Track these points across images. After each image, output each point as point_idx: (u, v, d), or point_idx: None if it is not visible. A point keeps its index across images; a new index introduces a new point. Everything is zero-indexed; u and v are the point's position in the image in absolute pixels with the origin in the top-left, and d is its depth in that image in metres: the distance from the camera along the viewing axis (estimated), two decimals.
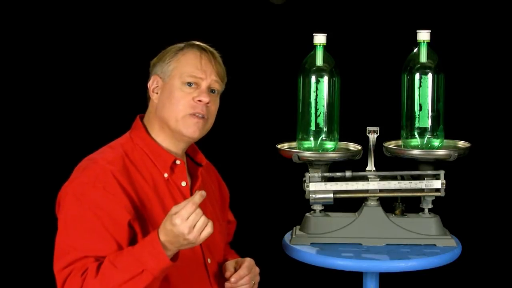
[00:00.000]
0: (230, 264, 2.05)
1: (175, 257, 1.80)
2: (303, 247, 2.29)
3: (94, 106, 3.16)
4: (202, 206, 2.03)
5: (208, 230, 1.76)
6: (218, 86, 2.02)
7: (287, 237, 2.39)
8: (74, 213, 1.86)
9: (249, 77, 3.25)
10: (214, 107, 2.02)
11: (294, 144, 2.42)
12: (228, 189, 2.27)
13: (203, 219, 1.75)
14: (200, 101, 1.96)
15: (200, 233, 1.75)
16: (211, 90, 2.00)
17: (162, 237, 1.76)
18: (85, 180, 1.88)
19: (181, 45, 2.04)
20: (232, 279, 2.01)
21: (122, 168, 1.92)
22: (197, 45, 2.04)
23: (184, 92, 1.97)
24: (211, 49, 2.05)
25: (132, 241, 1.87)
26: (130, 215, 1.86)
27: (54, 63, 3.17)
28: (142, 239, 1.83)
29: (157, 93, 2.01)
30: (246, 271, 2.03)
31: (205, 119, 1.98)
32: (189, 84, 1.97)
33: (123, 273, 1.77)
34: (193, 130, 1.97)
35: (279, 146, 2.41)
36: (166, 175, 1.98)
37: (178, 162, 2.00)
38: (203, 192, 1.77)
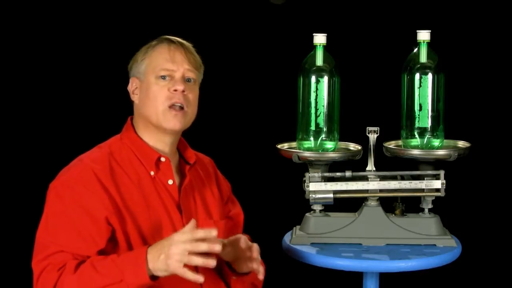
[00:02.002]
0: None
1: (156, 277, 1.80)
2: (303, 247, 2.29)
3: (92, 108, 3.16)
4: (192, 206, 2.04)
5: (185, 269, 1.75)
6: (193, 75, 2.03)
7: (287, 237, 2.39)
8: (55, 210, 1.91)
9: (249, 77, 3.25)
10: (192, 96, 2.03)
11: (294, 144, 2.42)
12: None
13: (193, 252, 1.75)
14: (175, 90, 1.98)
15: (181, 263, 1.75)
16: (187, 79, 2.02)
17: (150, 254, 1.78)
18: (68, 178, 1.94)
19: (153, 42, 2.07)
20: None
21: (106, 167, 1.95)
22: (166, 38, 2.06)
23: (159, 85, 2.00)
24: (181, 40, 2.06)
25: (111, 237, 1.90)
26: (108, 211, 1.89)
27: (56, 65, 3.17)
28: (130, 251, 1.86)
29: (137, 94, 2.05)
30: (244, 243, 2.01)
31: (185, 110, 2.00)
32: (163, 77, 2.00)
33: (102, 277, 1.79)
34: (173, 123, 1.99)
35: (279, 146, 2.41)
36: (152, 173, 2.00)
37: (163, 159, 2.02)
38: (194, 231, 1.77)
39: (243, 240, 2.02)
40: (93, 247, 1.86)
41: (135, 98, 2.06)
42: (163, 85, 1.99)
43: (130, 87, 2.07)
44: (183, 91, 1.99)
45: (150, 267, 1.77)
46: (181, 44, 2.04)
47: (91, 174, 1.92)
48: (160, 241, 1.80)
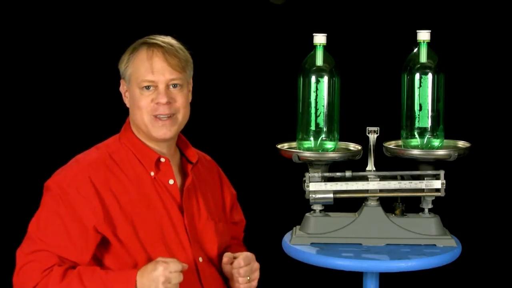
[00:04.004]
0: (229, 254, 2.06)
1: None
2: (303, 247, 2.29)
3: (90, 106, 3.17)
4: (195, 206, 2.04)
5: None
6: (178, 80, 1.99)
7: (287, 237, 2.39)
8: (47, 208, 1.91)
9: (249, 77, 3.25)
10: (179, 103, 1.99)
11: (294, 144, 2.42)
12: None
13: (177, 280, 1.81)
14: (158, 103, 1.96)
15: None
16: (173, 85, 1.99)
17: (139, 278, 1.81)
18: (63, 179, 1.93)
19: (137, 43, 2.02)
20: (225, 258, 2.03)
21: (102, 169, 1.94)
22: (145, 42, 2.00)
23: (143, 96, 1.97)
24: (160, 41, 1.99)
25: (101, 243, 1.91)
26: (97, 219, 1.89)
27: (53, 64, 3.17)
28: (119, 272, 1.86)
29: (127, 97, 2.04)
30: (242, 262, 2.02)
31: (172, 117, 1.98)
32: (147, 87, 1.97)
33: None
34: (163, 132, 1.98)
35: (279, 146, 2.41)
36: (152, 173, 1.99)
37: (162, 160, 2.01)
38: (185, 265, 1.86)
39: (244, 256, 2.04)
40: (78, 252, 1.88)
41: (126, 101, 2.05)
42: (147, 96, 1.97)
43: (122, 89, 2.05)
44: (168, 102, 1.96)
45: None
46: (161, 47, 1.97)
47: (86, 178, 1.91)
48: (147, 271, 1.82)
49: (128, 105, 2.04)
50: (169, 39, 2.02)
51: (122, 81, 2.05)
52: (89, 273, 1.84)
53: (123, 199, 1.93)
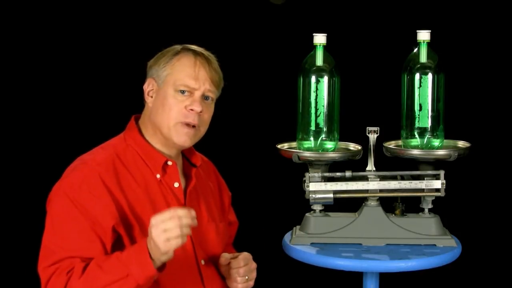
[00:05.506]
0: (227, 254, 2.06)
1: (162, 267, 1.81)
2: (303, 247, 2.29)
3: (91, 106, 3.16)
4: (197, 208, 2.04)
5: (178, 241, 1.76)
6: (212, 94, 2.01)
7: (287, 237, 2.39)
8: (61, 213, 1.88)
9: (250, 77, 3.25)
10: (207, 115, 2.01)
11: (294, 144, 2.42)
12: (229, 189, 2.27)
13: (175, 231, 1.76)
14: (192, 110, 1.96)
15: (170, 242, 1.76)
16: (205, 97, 2.00)
17: (148, 244, 1.78)
18: (73, 181, 1.89)
19: (178, 48, 2.02)
20: (222, 259, 2.03)
21: (111, 170, 1.92)
22: (193, 50, 2.02)
23: (177, 99, 1.96)
24: (206, 54, 2.03)
25: (117, 243, 1.89)
26: (114, 219, 1.87)
27: (51, 64, 3.17)
28: (132, 245, 1.85)
29: (151, 97, 2.01)
30: (242, 262, 2.03)
31: (197, 127, 1.98)
32: (183, 91, 1.97)
33: (107, 275, 1.79)
34: (184, 139, 1.97)
35: (279, 146, 2.41)
36: (158, 176, 1.98)
37: (169, 163, 2.00)
38: (193, 212, 1.80)
39: (243, 256, 2.05)
40: (100, 250, 1.85)
41: (149, 100, 2.02)
42: (181, 100, 1.96)
43: (146, 88, 2.03)
44: (200, 111, 1.97)
45: (153, 257, 1.78)
46: (207, 60, 2.01)
47: (97, 178, 1.89)
48: (149, 236, 1.79)
49: (150, 104, 2.01)
50: (211, 55, 2.04)
51: (149, 80, 2.02)
52: (105, 258, 1.82)
53: (133, 200, 1.92)
